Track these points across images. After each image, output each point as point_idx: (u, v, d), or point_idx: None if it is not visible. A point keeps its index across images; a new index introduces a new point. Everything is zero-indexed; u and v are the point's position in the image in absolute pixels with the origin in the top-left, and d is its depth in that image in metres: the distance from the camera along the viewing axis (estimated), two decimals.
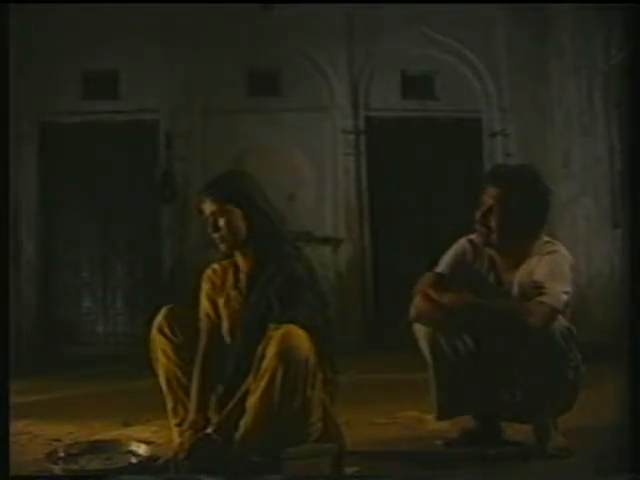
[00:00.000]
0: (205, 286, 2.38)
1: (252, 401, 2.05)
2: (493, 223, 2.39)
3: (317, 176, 6.46)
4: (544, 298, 2.25)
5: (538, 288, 2.27)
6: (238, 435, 2.05)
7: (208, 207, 2.28)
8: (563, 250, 2.42)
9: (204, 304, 2.36)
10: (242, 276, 2.32)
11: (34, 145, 6.28)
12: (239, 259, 2.32)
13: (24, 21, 5.58)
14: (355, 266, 6.36)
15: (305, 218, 6.31)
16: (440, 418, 2.49)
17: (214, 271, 2.39)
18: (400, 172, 6.49)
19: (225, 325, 2.30)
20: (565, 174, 6.10)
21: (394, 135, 6.55)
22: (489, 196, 2.41)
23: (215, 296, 2.34)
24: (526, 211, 2.38)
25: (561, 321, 2.31)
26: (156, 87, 6.31)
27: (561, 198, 6.17)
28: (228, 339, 2.28)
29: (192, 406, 2.23)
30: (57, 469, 2.18)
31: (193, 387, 2.25)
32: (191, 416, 2.22)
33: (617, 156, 5.45)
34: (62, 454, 2.29)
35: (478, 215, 2.43)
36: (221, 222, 2.25)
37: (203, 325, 2.33)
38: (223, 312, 2.31)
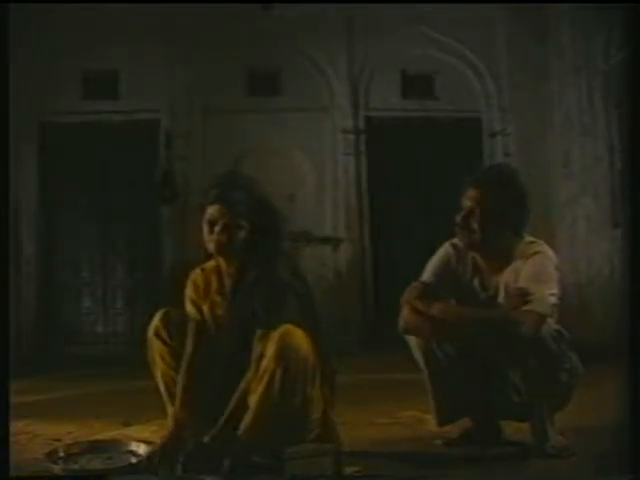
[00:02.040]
0: (188, 291, 2.35)
1: (253, 400, 2.06)
2: (474, 224, 2.38)
3: (317, 176, 6.46)
4: (531, 306, 2.23)
5: (524, 295, 2.25)
6: (239, 434, 2.04)
7: (216, 212, 2.21)
8: (547, 250, 2.40)
9: (188, 308, 2.33)
10: (227, 280, 2.29)
11: (34, 145, 6.28)
12: (222, 263, 2.30)
13: (24, 21, 5.57)
14: (355, 266, 6.36)
15: (305, 218, 6.31)
16: (440, 425, 2.50)
17: (198, 275, 2.36)
18: (400, 172, 6.49)
19: (211, 329, 2.29)
20: (565, 174, 6.10)
21: (394, 135, 6.55)
22: (468, 198, 2.40)
23: (199, 300, 2.32)
24: (506, 210, 2.37)
25: (550, 325, 2.30)
26: (156, 87, 6.31)
27: (561, 198, 6.18)
28: (215, 343, 2.27)
29: (176, 403, 2.22)
30: (57, 469, 2.17)
31: (178, 385, 2.24)
32: (175, 412, 2.21)
33: (617, 156, 5.45)
34: (62, 454, 2.28)
35: (458, 218, 2.41)
36: (226, 232, 2.20)
37: (190, 329, 2.29)
38: (209, 317, 2.30)
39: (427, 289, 2.42)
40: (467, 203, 2.40)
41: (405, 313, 2.41)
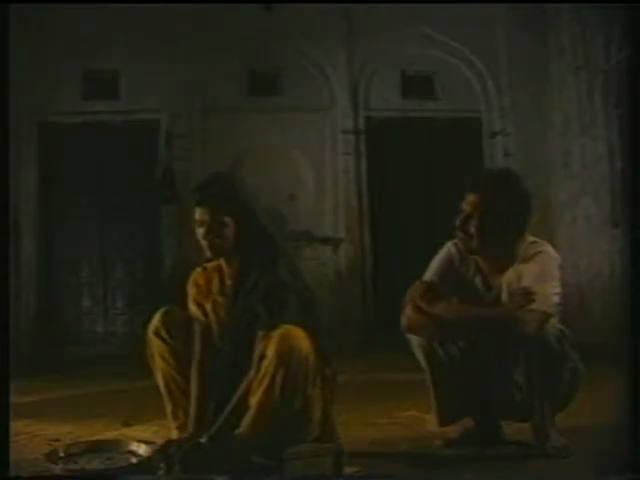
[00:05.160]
0: (191, 290, 2.36)
1: (253, 401, 2.06)
2: (472, 229, 2.36)
3: (317, 176, 6.47)
4: (535, 305, 2.23)
5: (528, 294, 2.25)
6: (240, 435, 2.04)
7: (199, 214, 2.23)
8: (550, 250, 2.39)
9: (192, 308, 2.33)
10: (228, 281, 2.30)
11: (34, 145, 6.28)
12: (223, 264, 2.30)
13: (24, 21, 5.57)
14: (355, 266, 6.36)
15: (305, 218, 6.32)
16: (441, 425, 2.50)
17: (199, 274, 2.36)
18: (400, 172, 6.49)
19: (215, 330, 2.29)
20: (565, 174, 6.11)
21: (394, 135, 6.55)
22: (467, 203, 2.38)
23: (202, 300, 2.32)
24: (506, 215, 2.34)
25: (553, 324, 2.30)
26: (156, 87, 6.31)
27: (561, 198, 6.18)
28: (218, 344, 2.26)
29: (193, 413, 2.21)
30: (57, 469, 2.17)
31: (192, 394, 2.24)
32: (192, 422, 2.20)
33: (617, 156, 5.45)
34: (62, 454, 2.27)
35: (457, 222, 2.40)
36: (213, 231, 2.21)
37: (196, 333, 2.29)
38: (212, 317, 2.30)
39: (430, 288, 2.42)
40: (466, 208, 2.39)
41: (408, 312, 2.40)
